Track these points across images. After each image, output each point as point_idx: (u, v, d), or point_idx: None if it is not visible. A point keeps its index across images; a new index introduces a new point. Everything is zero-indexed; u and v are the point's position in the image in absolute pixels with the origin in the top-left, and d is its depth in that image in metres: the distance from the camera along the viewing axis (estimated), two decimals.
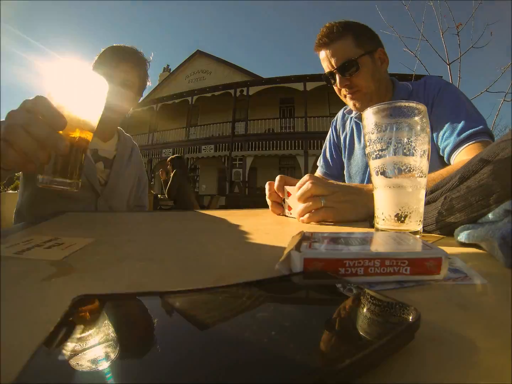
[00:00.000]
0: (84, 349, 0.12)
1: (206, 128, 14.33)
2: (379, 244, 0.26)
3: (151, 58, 1.00)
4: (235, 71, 15.24)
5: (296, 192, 0.58)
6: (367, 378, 0.12)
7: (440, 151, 0.86)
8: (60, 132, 0.41)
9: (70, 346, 0.13)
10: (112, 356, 0.12)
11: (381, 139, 0.40)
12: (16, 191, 1.71)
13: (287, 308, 0.18)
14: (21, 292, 0.22)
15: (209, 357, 0.12)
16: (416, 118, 0.40)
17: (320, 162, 1.23)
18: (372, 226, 0.46)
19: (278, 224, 0.58)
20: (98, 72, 0.50)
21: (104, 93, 0.50)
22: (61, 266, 0.28)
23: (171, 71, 17.40)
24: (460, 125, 0.79)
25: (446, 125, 0.82)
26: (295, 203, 0.60)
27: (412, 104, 0.40)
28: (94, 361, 0.12)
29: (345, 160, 1.11)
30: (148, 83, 1.03)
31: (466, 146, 0.77)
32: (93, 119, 0.49)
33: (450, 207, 0.37)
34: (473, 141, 0.76)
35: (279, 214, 0.69)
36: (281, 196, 0.68)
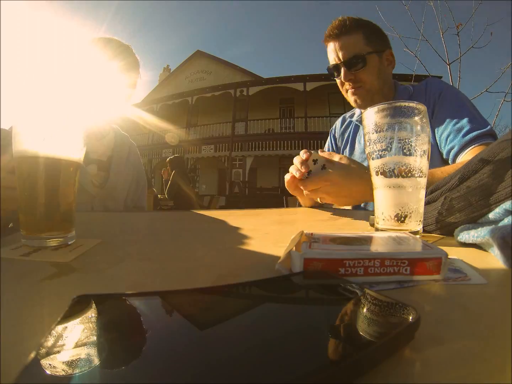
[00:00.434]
0: (84, 349, 0.12)
1: (206, 128, 14.33)
2: (379, 244, 0.26)
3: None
4: (235, 71, 15.24)
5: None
6: (367, 378, 0.12)
7: (444, 154, 0.85)
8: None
9: (70, 346, 0.13)
10: (112, 356, 0.12)
11: (381, 139, 0.40)
12: None
13: (287, 308, 0.18)
14: (21, 292, 0.22)
15: (209, 357, 0.12)
16: (416, 118, 0.40)
17: None
18: (372, 226, 0.46)
19: (278, 224, 0.58)
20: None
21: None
22: (61, 266, 0.28)
23: (171, 71, 17.40)
24: (465, 127, 0.79)
25: (450, 128, 0.82)
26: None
27: (412, 104, 0.40)
28: (94, 361, 0.12)
29: None
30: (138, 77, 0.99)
31: (472, 148, 0.77)
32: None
33: (450, 207, 0.37)
34: (479, 143, 0.76)
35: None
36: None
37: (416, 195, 0.39)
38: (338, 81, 0.95)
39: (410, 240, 0.27)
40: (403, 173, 0.39)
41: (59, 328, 0.14)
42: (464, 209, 0.36)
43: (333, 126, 1.19)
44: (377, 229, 0.42)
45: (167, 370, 0.11)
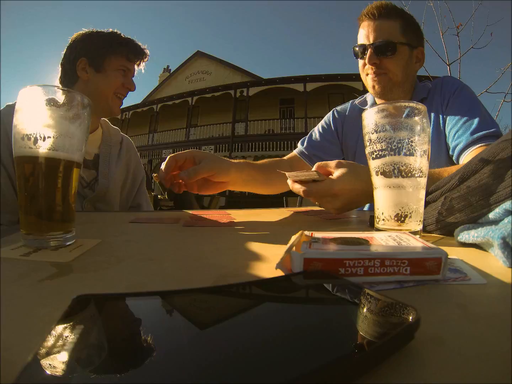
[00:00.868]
0: (84, 349, 0.12)
1: (206, 128, 14.34)
2: (379, 244, 0.26)
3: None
4: (235, 71, 15.26)
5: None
6: (367, 378, 0.12)
7: (451, 149, 0.85)
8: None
9: (70, 346, 0.13)
10: (113, 356, 0.12)
11: (381, 139, 0.40)
12: None
13: (287, 308, 0.18)
14: (21, 292, 0.22)
15: (209, 357, 0.12)
16: (416, 118, 0.40)
17: (304, 142, 1.09)
18: (372, 226, 0.46)
19: (278, 224, 0.58)
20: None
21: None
22: (61, 266, 0.28)
23: (171, 72, 17.42)
24: (474, 126, 0.79)
25: (459, 124, 0.82)
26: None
27: (412, 104, 0.40)
28: (94, 361, 0.12)
29: (350, 157, 1.06)
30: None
31: (477, 147, 0.77)
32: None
33: (450, 207, 0.37)
34: (485, 143, 0.76)
35: None
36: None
37: (416, 195, 0.39)
38: (360, 62, 0.92)
39: (410, 240, 0.27)
40: (403, 173, 0.39)
41: (59, 328, 0.14)
42: (464, 209, 0.36)
43: (339, 107, 1.12)
44: (377, 229, 0.42)
45: (167, 370, 0.11)
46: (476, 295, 0.22)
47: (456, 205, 0.37)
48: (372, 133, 0.42)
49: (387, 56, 0.86)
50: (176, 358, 0.12)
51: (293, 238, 0.28)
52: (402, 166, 0.39)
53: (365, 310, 0.17)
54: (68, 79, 0.90)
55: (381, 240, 0.28)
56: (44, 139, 0.34)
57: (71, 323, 0.14)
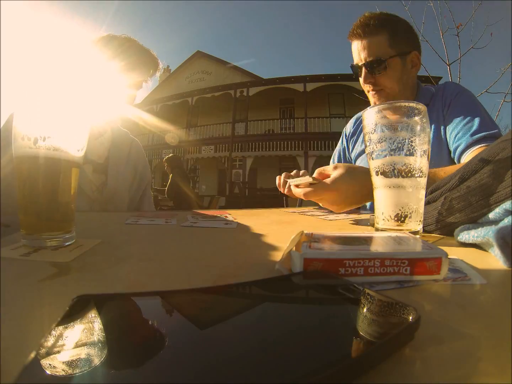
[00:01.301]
0: (84, 349, 0.12)
1: (206, 128, 14.34)
2: (379, 244, 0.26)
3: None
4: (235, 71, 15.25)
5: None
6: (367, 378, 0.12)
7: (452, 152, 0.85)
8: None
9: (70, 346, 0.13)
10: (113, 356, 0.12)
11: (381, 139, 0.40)
12: None
13: (287, 308, 0.18)
14: (21, 292, 0.22)
15: (209, 357, 0.12)
16: (416, 118, 0.40)
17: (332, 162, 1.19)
18: (372, 226, 0.46)
19: (278, 224, 0.58)
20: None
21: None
22: (61, 266, 0.28)
23: (171, 72, 17.42)
24: (474, 127, 0.79)
25: (460, 126, 0.83)
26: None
27: (412, 104, 0.40)
28: (94, 361, 0.12)
29: (355, 161, 1.10)
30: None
31: (478, 148, 0.77)
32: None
33: (450, 207, 0.37)
34: (485, 144, 0.76)
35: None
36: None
37: (416, 195, 0.39)
38: (360, 80, 0.94)
39: (410, 240, 0.27)
40: (403, 173, 0.39)
41: (59, 328, 0.14)
42: (464, 209, 0.36)
43: (345, 127, 1.18)
44: (377, 229, 0.42)
45: (167, 370, 0.11)
46: (476, 295, 0.22)
47: (456, 205, 0.37)
48: (372, 133, 0.42)
49: (379, 73, 0.87)
50: (176, 358, 0.12)
51: (293, 238, 0.28)
52: (402, 166, 0.39)
53: (365, 310, 0.17)
54: None
55: (381, 240, 0.28)
56: (44, 139, 0.34)
57: (71, 323, 0.14)
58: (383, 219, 0.41)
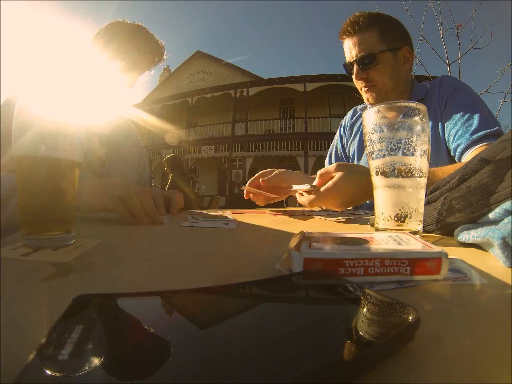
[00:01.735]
0: (84, 349, 0.12)
1: (206, 128, 14.34)
2: (379, 244, 0.26)
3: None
4: (235, 71, 15.25)
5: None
6: (367, 378, 0.12)
7: (452, 150, 0.84)
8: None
9: (70, 346, 0.13)
10: (112, 356, 0.12)
11: (381, 139, 0.40)
12: None
13: (287, 308, 0.18)
14: (21, 292, 0.22)
15: (209, 357, 0.12)
16: (416, 118, 0.40)
17: (331, 161, 1.19)
18: (372, 226, 0.46)
19: (278, 224, 0.58)
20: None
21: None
22: (61, 266, 0.28)
23: (171, 72, 17.41)
24: (474, 125, 0.78)
25: (459, 125, 0.81)
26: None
27: (412, 104, 0.40)
28: (94, 361, 0.12)
29: (353, 160, 1.10)
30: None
31: (478, 147, 0.76)
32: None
33: (450, 207, 0.37)
34: (486, 143, 0.75)
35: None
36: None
37: (416, 195, 0.39)
38: (353, 78, 0.94)
39: (410, 240, 0.27)
40: (403, 173, 0.39)
41: (59, 328, 0.14)
42: (464, 209, 0.36)
43: (344, 118, 1.18)
44: (377, 229, 0.42)
45: (167, 370, 0.11)
46: (476, 295, 0.22)
47: (456, 205, 0.37)
48: (372, 133, 0.42)
49: (371, 68, 0.88)
50: (176, 358, 0.12)
51: (293, 238, 0.28)
52: (402, 166, 0.39)
53: (365, 310, 0.17)
54: None
55: (381, 240, 0.28)
56: (44, 139, 0.34)
57: (71, 323, 0.14)
58: (383, 219, 0.41)
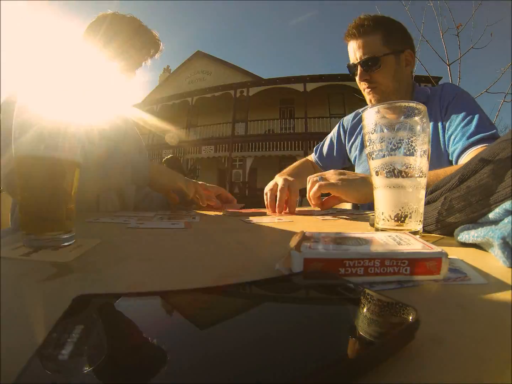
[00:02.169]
0: (84, 349, 0.12)
1: (206, 128, 14.34)
2: (379, 244, 0.26)
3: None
4: (235, 71, 15.24)
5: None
6: (367, 378, 0.12)
7: (450, 155, 0.86)
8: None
9: (70, 346, 0.13)
10: (112, 356, 0.12)
11: (381, 139, 0.40)
12: None
13: (287, 308, 0.18)
14: (21, 292, 0.22)
15: (209, 357, 0.12)
16: (416, 118, 0.40)
17: (316, 151, 1.26)
18: (372, 226, 0.46)
19: (278, 224, 0.58)
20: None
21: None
22: (61, 266, 0.28)
23: (171, 72, 17.40)
24: (471, 129, 0.80)
25: (458, 129, 0.84)
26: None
27: (412, 104, 0.40)
28: (94, 361, 0.12)
29: (354, 161, 1.12)
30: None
31: (474, 149, 0.77)
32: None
33: (450, 207, 0.37)
34: (482, 145, 0.76)
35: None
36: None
37: (416, 195, 0.39)
38: (356, 79, 0.97)
39: (410, 240, 0.27)
40: (403, 173, 0.39)
41: (59, 328, 0.14)
42: (464, 209, 0.36)
43: (344, 118, 1.20)
44: (377, 229, 0.42)
45: (167, 370, 0.11)
46: (476, 295, 0.22)
47: (456, 205, 0.37)
48: (372, 133, 0.42)
49: (374, 70, 0.90)
50: (176, 358, 0.12)
51: (293, 238, 0.28)
52: (402, 166, 0.39)
53: (365, 310, 0.17)
54: None
55: (381, 240, 0.28)
56: (45, 139, 0.34)
57: (71, 323, 0.14)
58: (383, 219, 0.41)
